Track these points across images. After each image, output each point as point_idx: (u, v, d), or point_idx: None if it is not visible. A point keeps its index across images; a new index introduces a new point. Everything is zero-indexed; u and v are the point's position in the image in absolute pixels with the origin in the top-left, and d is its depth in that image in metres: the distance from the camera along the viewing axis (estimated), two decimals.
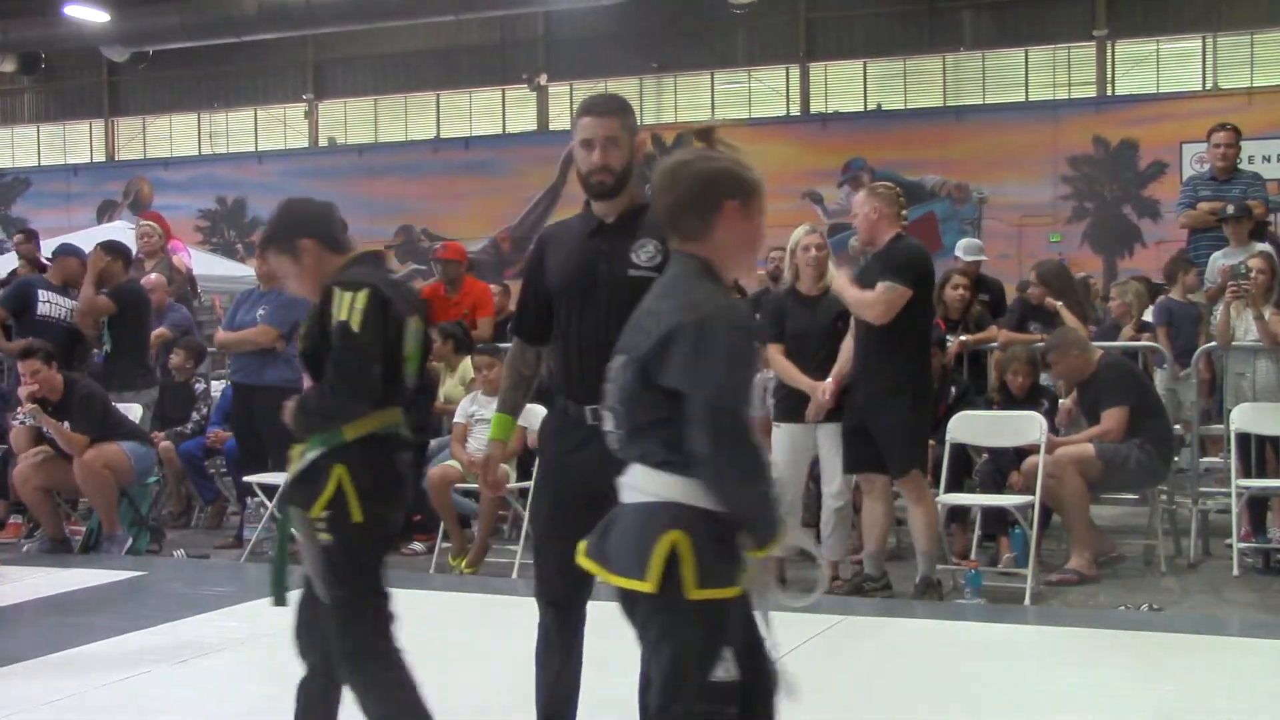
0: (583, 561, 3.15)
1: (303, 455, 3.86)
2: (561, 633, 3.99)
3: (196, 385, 10.26)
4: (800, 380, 7.24)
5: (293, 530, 3.92)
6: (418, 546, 8.83)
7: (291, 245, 3.88)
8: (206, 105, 29.69)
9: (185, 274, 11.49)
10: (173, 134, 30.33)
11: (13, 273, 12.12)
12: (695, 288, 2.97)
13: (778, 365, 7.35)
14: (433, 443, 9.61)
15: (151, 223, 11.64)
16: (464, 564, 8.09)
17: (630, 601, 2.98)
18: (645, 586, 2.88)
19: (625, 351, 3.04)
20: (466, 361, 9.18)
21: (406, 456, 3.97)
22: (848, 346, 7.14)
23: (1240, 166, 9.46)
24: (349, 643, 3.86)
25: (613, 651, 4.28)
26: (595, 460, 3.79)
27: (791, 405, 7.30)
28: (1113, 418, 7.56)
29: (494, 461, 4.23)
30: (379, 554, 3.95)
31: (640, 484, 2.99)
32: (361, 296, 3.72)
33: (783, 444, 7.40)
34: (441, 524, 8.40)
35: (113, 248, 9.85)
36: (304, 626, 4.01)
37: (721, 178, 3.03)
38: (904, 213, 7.12)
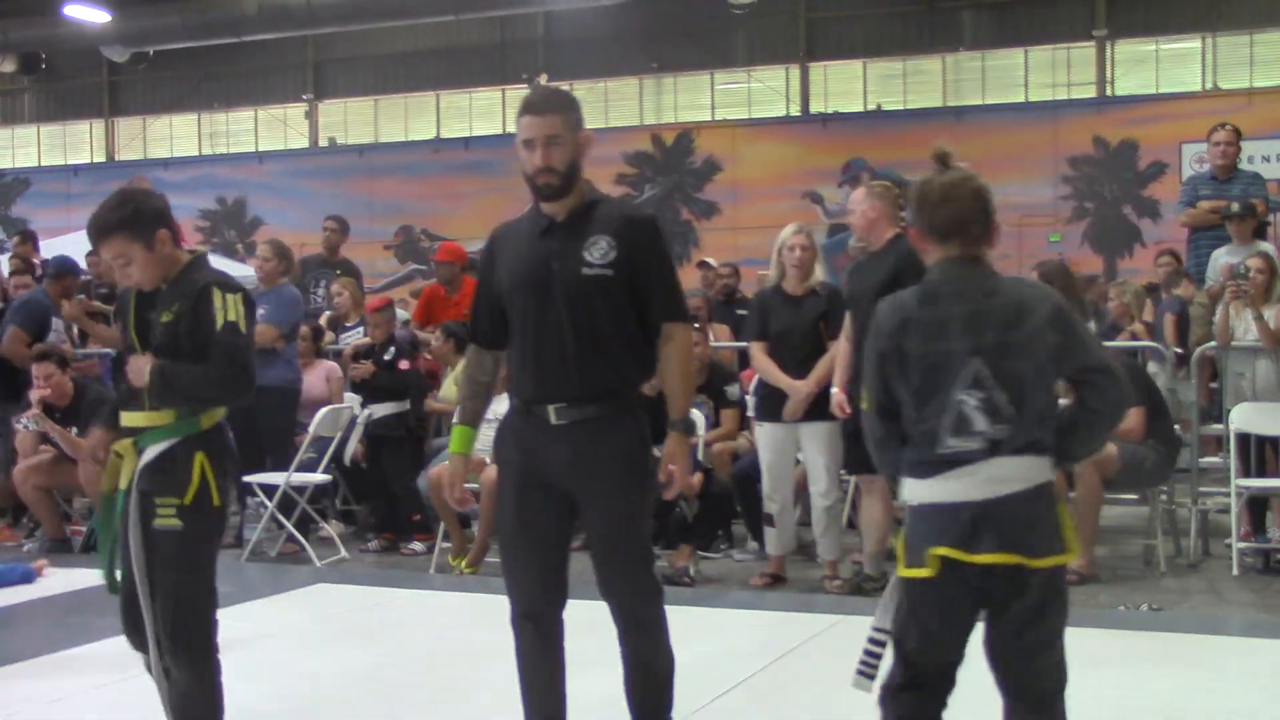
0: (1005, 559, 3.10)
1: (144, 446, 3.88)
2: (542, 645, 3.85)
3: None
4: (780, 379, 7.26)
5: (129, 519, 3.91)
6: (418, 546, 8.84)
7: (150, 234, 3.86)
8: (206, 105, 29.68)
9: None
10: (173, 134, 30.32)
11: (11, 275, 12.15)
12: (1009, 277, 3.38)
13: (760, 363, 7.37)
14: (434, 442, 9.61)
15: None
16: (464, 564, 8.08)
17: (1029, 578, 3.16)
18: (1070, 557, 3.25)
19: (981, 353, 3.17)
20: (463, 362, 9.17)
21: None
22: (841, 351, 7.08)
23: (1240, 166, 9.48)
24: (190, 633, 3.89)
25: (600, 652, 4.27)
26: (564, 459, 3.78)
27: (773, 404, 7.32)
28: (1134, 417, 7.51)
29: (459, 477, 4.05)
30: (218, 542, 4.08)
31: (1022, 473, 3.17)
32: (240, 299, 3.87)
33: (765, 443, 7.42)
34: (442, 524, 8.40)
35: None
36: (136, 621, 3.99)
37: (988, 196, 3.38)
38: (902, 213, 7.10)
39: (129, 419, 3.98)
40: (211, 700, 3.91)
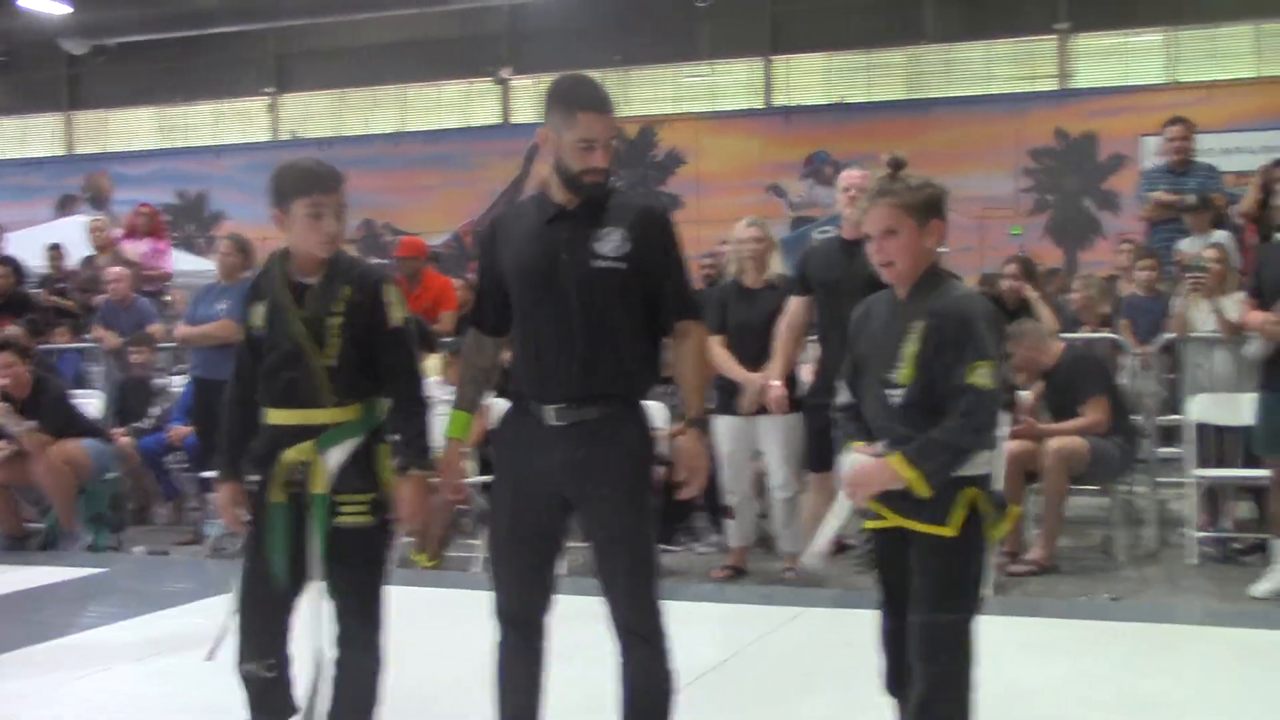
0: None
1: (326, 446, 3.74)
2: (526, 652, 3.73)
3: (155, 381, 10.20)
4: (735, 371, 7.25)
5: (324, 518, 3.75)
6: None
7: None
8: (168, 99, 29.47)
9: (138, 265, 11.61)
10: (133, 128, 30.11)
11: None
12: None
13: (717, 356, 7.34)
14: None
15: (103, 217, 12.02)
16: (425, 558, 8.06)
17: None
18: None
19: None
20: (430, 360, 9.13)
21: None
22: (786, 342, 7.08)
23: (1195, 159, 9.57)
24: (375, 629, 3.83)
25: (577, 647, 4.27)
26: (558, 463, 3.63)
27: (731, 397, 7.31)
28: (1098, 408, 7.52)
29: (454, 462, 3.86)
30: None
31: None
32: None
33: (723, 436, 7.40)
34: None
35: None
36: (266, 626, 3.85)
37: None
38: None
39: (301, 416, 3.77)
40: (379, 688, 3.87)
